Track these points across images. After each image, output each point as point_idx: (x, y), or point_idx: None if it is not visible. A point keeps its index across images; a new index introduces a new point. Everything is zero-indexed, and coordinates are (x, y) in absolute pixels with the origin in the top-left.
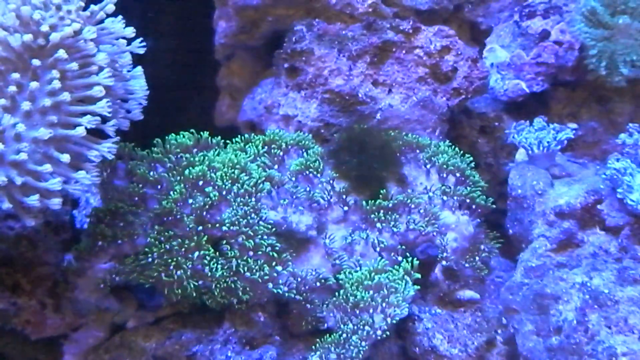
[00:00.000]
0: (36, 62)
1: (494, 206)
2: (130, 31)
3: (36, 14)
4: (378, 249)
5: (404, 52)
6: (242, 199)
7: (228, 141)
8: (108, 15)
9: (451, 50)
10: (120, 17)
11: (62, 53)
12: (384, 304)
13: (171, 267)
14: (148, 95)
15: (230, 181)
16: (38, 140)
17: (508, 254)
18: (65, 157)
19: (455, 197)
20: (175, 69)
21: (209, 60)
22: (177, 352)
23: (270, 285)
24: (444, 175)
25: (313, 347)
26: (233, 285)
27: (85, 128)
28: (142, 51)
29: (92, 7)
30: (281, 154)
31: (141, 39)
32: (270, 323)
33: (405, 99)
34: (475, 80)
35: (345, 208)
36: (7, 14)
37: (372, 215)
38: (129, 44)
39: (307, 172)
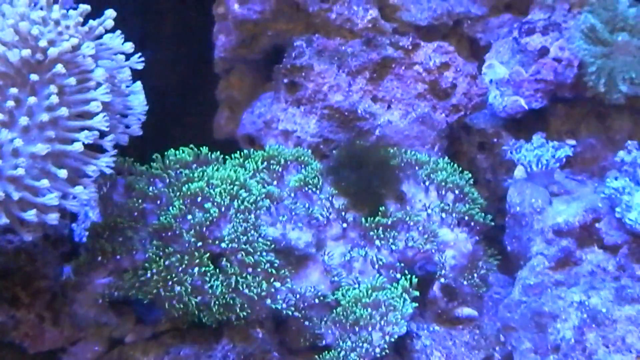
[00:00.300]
0: (34, 77)
1: (492, 224)
2: (129, 46)
3: (34, 29)
4: (377, 266)
5: (403, 68)
6: (241, 216)
7: (227, 156)
8: (107, 31)
9: (450, 67)
10: (119, 32)
11: (60, 68)
12: (382, 322)
13: (170, 283)
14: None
15: (229, 198)
16: (35, 155)
17: (506, 270)
18: (63, 173)
19: (454, 215)
20: (174, 81)
21: (208, 73)
22: None
23: (269, 301)
24: (443, 192)
25: None
26: (231, 302)
27: (83, 143)
28: (140, 66)
29: (91, 22)
30: (280, 169)
31: (140, 53)
32: (268, 339)
33: (405, 115)
34: (475, 96)
35: (344, 225)
36: (6, 29)
37: (371, 233)
38: (127, 59)
39: (306, 188)
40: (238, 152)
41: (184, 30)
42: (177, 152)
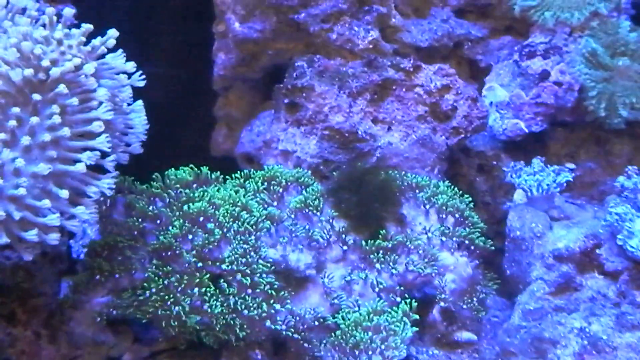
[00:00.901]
0: (37, 96)
1: (492, 248)
2: (131, 66)
3: (37, 49)
4: (377, 290)
5: (404, 90)
6: (242, 237)
7: (224, 174)
8: (109, 50)
9: (451, 89)
10: (120, 51)
11: (62, 88)
12: (382, 346)
13: (168, 303)
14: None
15: (230, 219)
16: (37, 175)
17: (504, 293)
18: (64, 193)
19: (454, 238)
20: (172, 97)
21: (206, 90)
22: None
23: (268, 323)
24: (443, 215)
25: None
26: (231, 322)
27: (85, 164)
28: (142, 84)
29: (94, 41)
30: (280, 190)
31: (141, 72)
32: None
33: (405, 137)
34: (475, 119)
35: (345, 247)
36: (9, 48)
37: (372, 256)
38: (129, 77)
39: (307, 210)
40: (238, 171)
41: (183, 47)
42: (177, 171)
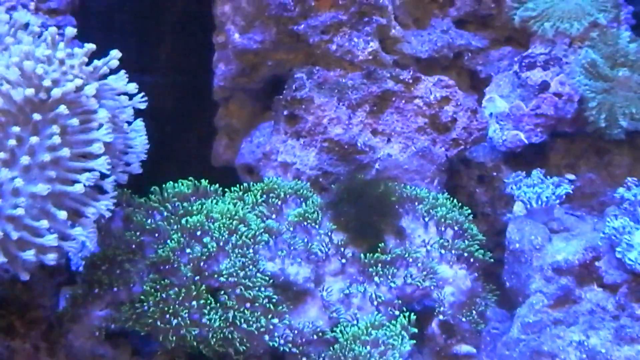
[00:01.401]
0: (37, 116)
1: (492, 260)
2: (133, 87)
3: (39, 69)
4: (375, 303)
5: (403, 101)
6: (240, 250)
7: (225, 185)
8: (112, 71)
9: (451, 101)
10: (123, 72)
11: (63, 109)
12: None
13: (167, 316)
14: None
15: (228, 232)
16: (36, 195)
17: (504, 304)
18: (63, 214)
19: (453, 251)
20: (172, 107)
21: (206, 100)
22: None
23: (267, 337)
24: (442, 228)
25: None
26: (230, 336)
27: (84, 185)
28: (143, 106)
29: (96, 62)
30: (279, 203)
31: (143, 94)
32: None
33: (404, 149)
34: (474, 131)
35: (343, 260)
36: (11, 67)
37: (370, 269)
38: (130, 98)
39: (305, 223)
40: (237, 184)
41: (183, 57)
42: (175, 184)
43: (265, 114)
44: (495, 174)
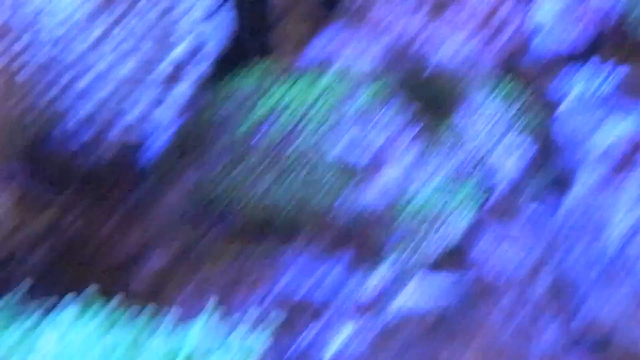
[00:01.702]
0: None
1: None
2: None
3: None
4: (441, 175)
5: (458, 5)
6: (311, 130)
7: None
8: None
9: (502, 6)
10: None
11: None
12: (442, 230)
13: (243, 190)
14: None
15: (299, 116)
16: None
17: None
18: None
19: (516, 125)
20: None
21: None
22: None
23: (338, 207)
24: (507, 104)
25: None
26: (302, 207)
27: None
28: None
29: None
30: (349, 88)
31: None
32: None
33: (457, 53)
34: (524, 35)
35: (409, 137)
36: None
37: (435, 145)
38: None
39: (376, 102)
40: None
41: None
42: (243, 77)
43: (326, 21)
44: (543, 78)
